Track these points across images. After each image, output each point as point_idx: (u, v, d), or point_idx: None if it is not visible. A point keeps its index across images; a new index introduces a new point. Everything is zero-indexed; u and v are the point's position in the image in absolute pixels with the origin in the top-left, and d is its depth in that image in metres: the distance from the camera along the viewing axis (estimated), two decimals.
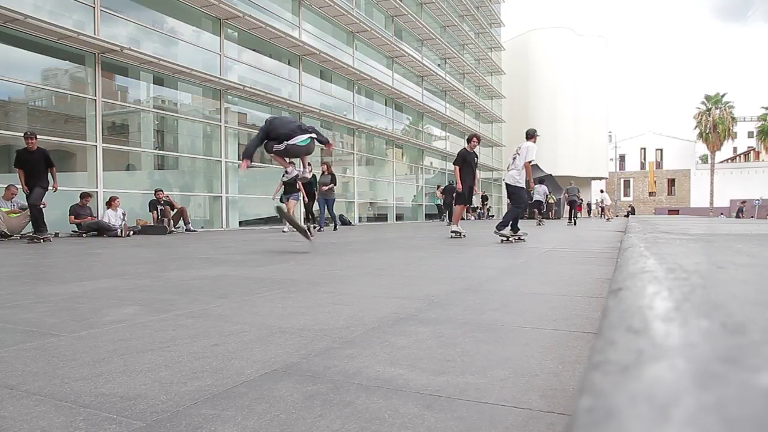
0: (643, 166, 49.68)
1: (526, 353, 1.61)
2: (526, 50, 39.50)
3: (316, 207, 12.30)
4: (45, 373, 1.42)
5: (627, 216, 27.37)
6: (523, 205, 7.67)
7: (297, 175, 6.44)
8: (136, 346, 1.70)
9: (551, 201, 26.94)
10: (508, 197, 7.90)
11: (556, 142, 38.82)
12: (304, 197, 11.34)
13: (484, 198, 28.62)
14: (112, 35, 10.71)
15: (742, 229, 5.85)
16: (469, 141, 8.54)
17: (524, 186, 7.55)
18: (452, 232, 8.24)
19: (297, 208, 12.26)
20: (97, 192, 10.36)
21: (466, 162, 8.36)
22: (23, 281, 3.41)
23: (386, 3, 20.29)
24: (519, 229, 7.36)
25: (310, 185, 11.52)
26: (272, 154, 5.77)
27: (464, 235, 7.97)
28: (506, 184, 7.72)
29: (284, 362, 1.52)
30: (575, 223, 17.15)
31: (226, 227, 13.51)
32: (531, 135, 7.50)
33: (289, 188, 10.97)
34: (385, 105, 21.91)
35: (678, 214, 40.84)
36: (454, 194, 8.89)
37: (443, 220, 23.31)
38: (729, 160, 54.55)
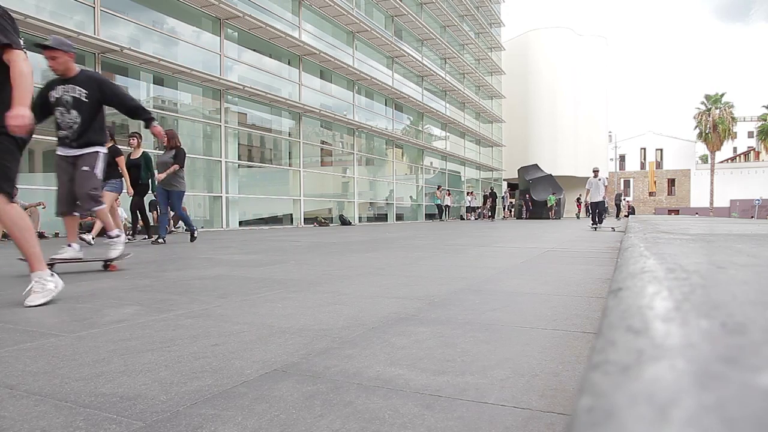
0: (643, 166, 49.64)
1: (526, 353, 1.61)
2: (526, 50, 39.48)
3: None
4: (45, 373, 1.42)
5: (627, 216, 27.48)
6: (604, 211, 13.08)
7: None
8: (136, 346, 1.70)
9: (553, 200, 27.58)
10: (598, 207, 12.82)
11: (556, 142, 38.82)
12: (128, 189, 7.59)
13: (485, 198, 28.62)
14: (113, 35, 10.72)
15: (742, 229, 5.85)
16: None
17: (605, 201, 13.17)
18: None
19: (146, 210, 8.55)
20: None
21: None
22: (23, 281, 3.41)
23: (386, 3, 20.28)
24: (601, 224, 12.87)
25: (138, 168, 7.76)
26: None
27: None
28: (596, 202, 12.79)
29: (284, 362, 1.52)
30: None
31: (226, 227, 13.51)
32: (596, 171, 13.18)
33: (108, 170, 6.55)
34: (385, 105, 21.91)
35: (678, 213, 40.83)
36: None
37: (443, 220, 23.37)
38: (729, 160, 54.52)
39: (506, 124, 36.30)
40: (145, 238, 8.26)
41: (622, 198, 32.97)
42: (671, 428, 0.33)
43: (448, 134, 28.06)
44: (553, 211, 28.39)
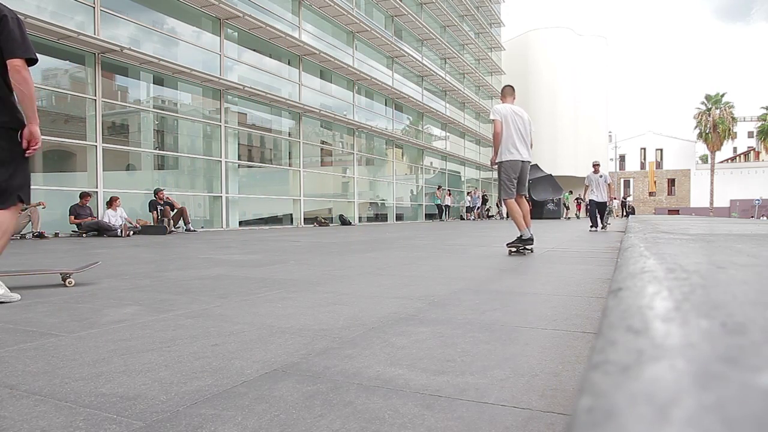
0: (643, 166, 49.64)
1: (526, 353, 1.61)
2: (526, 50, 39.49)
3: None
4: (45, 373, 1.42)
5: (627, 216, 27.60)
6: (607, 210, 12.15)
7: None
8: (136, 346, 1.70)
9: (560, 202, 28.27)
10: (599, 207, 11.49)
11: (556, 142, 38.82)
12: None
13: (484, 199, 28.64)
14: (113, 35, 10.72)
15: (742, 229, 5.85)
16: None
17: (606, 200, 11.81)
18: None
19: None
20: (97, 192, 10.37)
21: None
22: (23, 281, 3.41)
23: (386, 3, 20.28)
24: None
25: None
26: None
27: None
28: (599, 202, 11.44)
29: (284, 362, 1.52)
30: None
31: (226, 227, 13.51)
32: (597, 166, 11.76)
33: None
34: (385, 105, 21.90)
35: (678, 213, 40.82)
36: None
37: (443, 220, 23.37)
38: (729, 160, 54.53)
39: None
40: None
41: (627, 200, 36.07)
42: (671, 428, 0.33)
43: (448, 134, 28.06)
44: (566, 211, 28.87)
